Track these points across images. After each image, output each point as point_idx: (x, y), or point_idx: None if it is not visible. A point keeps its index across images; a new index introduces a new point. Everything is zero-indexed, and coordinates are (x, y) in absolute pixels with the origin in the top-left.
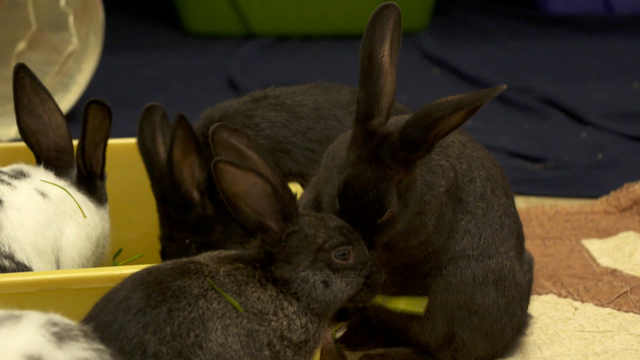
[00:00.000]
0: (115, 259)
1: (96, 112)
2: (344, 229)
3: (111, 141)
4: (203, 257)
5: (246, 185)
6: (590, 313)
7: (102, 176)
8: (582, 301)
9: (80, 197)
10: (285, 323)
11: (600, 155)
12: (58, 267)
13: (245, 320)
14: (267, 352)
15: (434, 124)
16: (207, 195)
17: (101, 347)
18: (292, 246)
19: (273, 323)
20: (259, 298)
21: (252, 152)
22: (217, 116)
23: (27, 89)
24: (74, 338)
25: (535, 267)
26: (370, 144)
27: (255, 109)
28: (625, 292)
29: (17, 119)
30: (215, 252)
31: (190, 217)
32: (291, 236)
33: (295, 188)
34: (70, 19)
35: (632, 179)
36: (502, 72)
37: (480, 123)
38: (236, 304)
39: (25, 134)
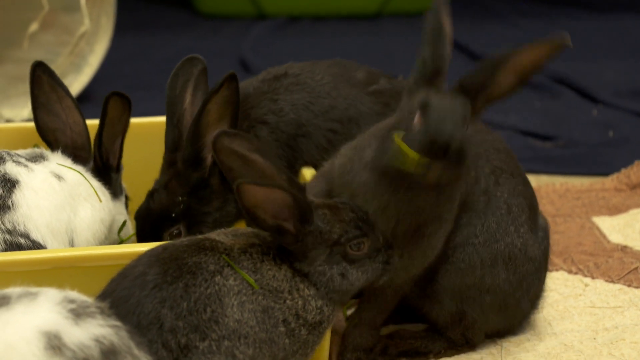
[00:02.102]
0: (119, 234)
1: (116, 104)
2: (358, 221)
3: None
4: (217, 233)
5: (266, 199)
6: (600, 289)
7: (118, 169)
8: (593, 277)
9: (97, 183)
10: (300, 303)
11: (611, 133)
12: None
13: (260, 297)
14: (282, 329)
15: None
16: (218, 167)
17: (118, 323)
18: (308, 243)
19: (288, 301)
20: (274, 276)
21: (255, 156)
22: (244, 94)
23: (45, 87)
24: (90, 315)
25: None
26: None
27: (278, 91)
28: (636, 268)
29: (34, 117)
30: (230, 229)
31: (194, 175)
32: (307, 235)
33: (310, 173)
34: (82, 0)
35: None
36: None
37: None
38: (252, 280)
39: (42, 131)
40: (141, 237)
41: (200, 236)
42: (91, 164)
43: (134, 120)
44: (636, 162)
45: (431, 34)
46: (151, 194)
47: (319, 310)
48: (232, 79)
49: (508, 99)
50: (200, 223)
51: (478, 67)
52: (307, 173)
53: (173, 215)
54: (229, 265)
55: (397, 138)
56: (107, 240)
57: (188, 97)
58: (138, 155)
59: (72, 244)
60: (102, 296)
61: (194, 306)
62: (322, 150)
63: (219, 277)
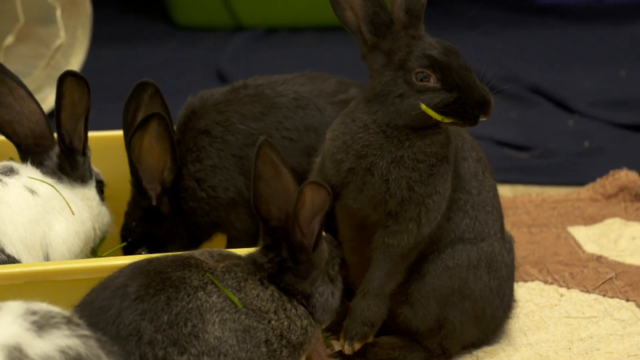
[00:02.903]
0: (98, 249)
1: (73, 85)
2: (333, 240)
3: (101, 133)
4: (201, 253)
5: (314, 207)
6: (575, 299)
7: (84, 152)
8: (568, 287)
9: (68, 194)
10: (286, 323)
11: (586, 143)
12: None
13: (243, 316)
14: (263, 349)
15: None
16: (168, 194)
17: (87, 333)
18: (314, 262)
19: (273, 322)
20: (257, 296)
21: (286, 170)
22: (198, 106)
23: None
24: (55, 326)
25: (522, 254)
26: None
27: (230, 102)
28: (611, 278)
29: None
30: (216, 250)
31: (143, 202)
32: (316, 253)
33: None
34: (58, 12)
35: (618, 166)
36: (490, 61)
37: None
38: (235, 299)
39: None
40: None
41: (185, 253)
42: (56, 149)
43: (112, 133)
44: (611, 172)
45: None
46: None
47: (303, 331)
48: (160, 118)
49: None
50: (158, 246)
51: None
52: None
53: (129, 240)
54: (212, 282)
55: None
56: (82, 253)
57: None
58: (113, 169)
59: (47, 259)
60: (81, 306)
61: (175, 320)
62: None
63: (202, 292)
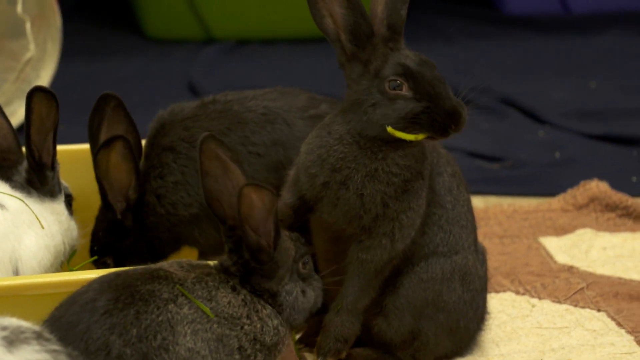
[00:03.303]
0: (69, 262)
1: (41, 101)
2: (300, 237)
3: (71, 147)
4: (170, 264)
5: (260, 209)
6: (547, 310)
7: (53, 166)
8: (540, 298)
9: (38, 208)
10: (259, 326)
11: (557, 154)
12: None
13: (215, 325)
14: (237, 357)
15: None
16: (132, 211)
17: (57, 347)
18: (278, 261)
19: (246, 327)
20: (229, 303)
21: (235, 166)
22: (167, 120)
23: None
24: (25, 341)
25: (493, 265)
26: None
27: (197, 118)
28: (582, 289)
29: None
30: (185, 260)
31: (108, 215)
32: (277, 253)
33: None
34: (28, 25)
35: (589, 176)
36: (460, 72)
37: None
38: (206, 309)
39: None
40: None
41: (154, 266)
42: (25, 164)
43: (83, 147)
44: (582, 183)
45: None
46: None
47: (275, 331)
48: (124, 141)
49: None
50: (121, 257)
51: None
52: None
53: (95, 249)
54: (183, 294)
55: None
56: (52, 267)
57: (102, 137)
58: (83, 183)
59: (16, 273)
60: (50, 321)
61: (144, 333)
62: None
63: (172, 305)
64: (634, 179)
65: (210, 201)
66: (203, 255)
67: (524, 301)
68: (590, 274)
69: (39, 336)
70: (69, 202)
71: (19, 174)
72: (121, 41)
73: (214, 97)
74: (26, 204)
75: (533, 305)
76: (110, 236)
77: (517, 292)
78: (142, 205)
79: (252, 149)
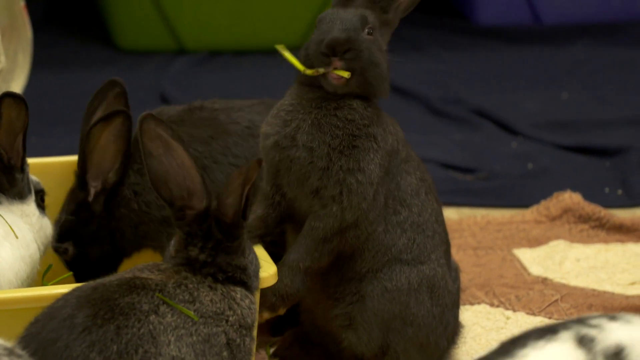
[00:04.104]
0: (44, 277)
1: (10, 105)
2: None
3: (45, 159)
4: (141, 270)
5: (237, 187)
6: (522, 322)
7: (22, 168)
8: (514, 310)
9: (10, 217)
10: (239, 312)
11: (530, 165)
12: None
13: (202, 327)
14: (225, 353)
15: None
16: (105, 196)
17: None
18: (244, 235)
19: (230, 318)
20: (212, 300)
21: (177, 143)
22: None
23: None
24: None
25: (468, 277)
26: None
27: (182, 122)
28: (556, 301)
29: None
30: (152, 264)
31: (80, 195)
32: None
33: None
34: None
35: (562, 188)
36: (433, 83)
37: (411, 135)
38: (190, 313)
39: None
40: None
41: (128, 275)
42: None
43: (55, 159)
44: (555, 194)
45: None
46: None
47: (252, 308)
48: (126, 117)
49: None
50: (82, 244)
51: None
52: None
53: (56, 234)
54: (164, 302)
55: (281, 48)
56: (29, 279)
57: (95, 117)
58: (55, 196)
59: None
60: (27, 337)
61: (125, 348)
62: (220, 184)
63: (153, 316)
64: (607, 190)
65: (157, 184)
66: None
67: (498, 313)
68: (564, 286)
69: (10, 352)
70: (41, 197)
71: None
72: (92, 52)
73: (202, 103)
74: (0, 215)
75: (508, 318)
76: (74, 220)
77: (492, 304)
78: (114, 196)
79: (233, 160)
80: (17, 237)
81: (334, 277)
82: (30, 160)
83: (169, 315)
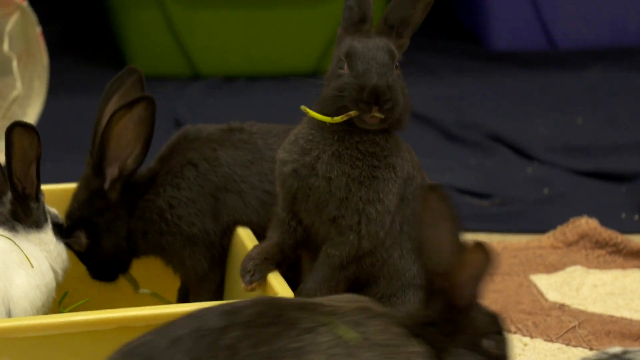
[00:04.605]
0: (60, 304)
1: (22, 135)
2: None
3: (58, 186)
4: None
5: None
6: (539, 348)
7: (37, 197)
8: (532, 337)
9: (26, 245)
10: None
11: (546, 190)
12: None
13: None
14: None
15: None
16: (122, 183)
17: None
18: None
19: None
20: (381, 331)
21: (448, 223)
22: (193, 135)
23: None
24: None
25: (484, 303)
26: None
27: (224, 143)
28: (574, 327)
29: None
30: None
31: (94, 182)
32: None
33: (246, 233)
34: (14, 63)
35: (578, 213)
36: (447, 108)
37: (426, 160)
38: (354, 334)
39: None
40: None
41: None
42: (9, 195)
43: (70, 186)
44: (572, 220)
45: None
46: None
47: None
48: (150, 102)
49: (443, 158)
50: (95, 233)
51: (397, 1)
52: (242, 232)
53: (69, 222)
54: (326, 324)
55: (305, 109)
56: (44, 307)
57: (111, 104)
58: None
59: (9, 315)
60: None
61: (273, 354)
62: (253, 210)
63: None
64: (624, 215)
65: (417, 250)
66: (184, 286)
67: (515, 340)
68: (582, 312)
69: None
70: (59, 230)
71: (3, 205)
72: (108, 78)
73: (242, 125)
74: (15, 243)
75: (525, 344)
76: (88, 208)
77: (509, 331)
78: (145, 199)
79: (268, 187)
80: (32, 266)
81: None
82: (45, 187)
83: (326, 336)
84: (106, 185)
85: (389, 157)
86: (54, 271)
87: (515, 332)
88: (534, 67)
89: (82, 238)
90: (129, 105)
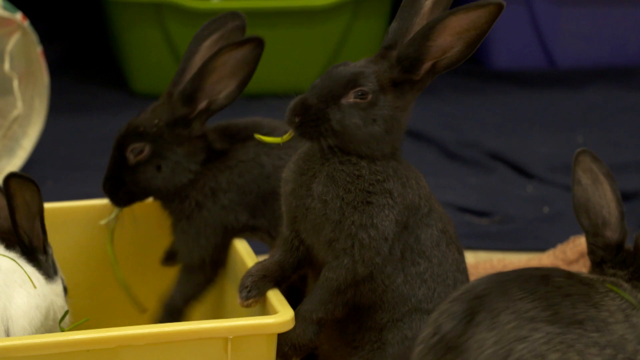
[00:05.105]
0: (60, 323)
1: (20, 186)
2: None
3: (57, 204)
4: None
5: None
6: None
7: (45, 250)
8: None
9: (30, 269)
10: None
11: (546, 209)
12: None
13: None
14: None
15: (430, 32)
16: (206, 118)
17: None
18: None
19: None
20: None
21: (605, 178)
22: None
23: None
24: None
25: None
26: None
27: (291, 151)
28: None
29: None
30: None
31: (182, 109)
32: None
33: (244, 247)
34: (15, 83)
35: (578, 231)
36: (448, 126)
37: (426, 178)
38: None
39: None
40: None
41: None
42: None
43: (71, 204)
44: (572, 238)
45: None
46: (137, 114)
47: None
48: (260, 43)
49: (443, 176)
50: (160, 155)
51: (411, 38)
52: (240, 246)
53: (142, 130)
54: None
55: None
56: (42, 327)
57: (209, 41)
58: (71, 241)
59: (7, 333)
60: None
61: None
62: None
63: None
64: None
65: (577, 209)
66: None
67: None
68: None
69: None
70: (63, 285)
71: (18, 252)
72: (108, 97)
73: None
74: (18, 264)
75: None
76: (170, 129)
77: None
78: (225, 157)
79: None
80: (35, 286)
81: (353, 326)
82: (47, 205)
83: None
84: (194, 114)
85: (385, 182)
86: (53, 304)
87: None
88: (535, 86)
89: (146, 150)
90: (240, 43)
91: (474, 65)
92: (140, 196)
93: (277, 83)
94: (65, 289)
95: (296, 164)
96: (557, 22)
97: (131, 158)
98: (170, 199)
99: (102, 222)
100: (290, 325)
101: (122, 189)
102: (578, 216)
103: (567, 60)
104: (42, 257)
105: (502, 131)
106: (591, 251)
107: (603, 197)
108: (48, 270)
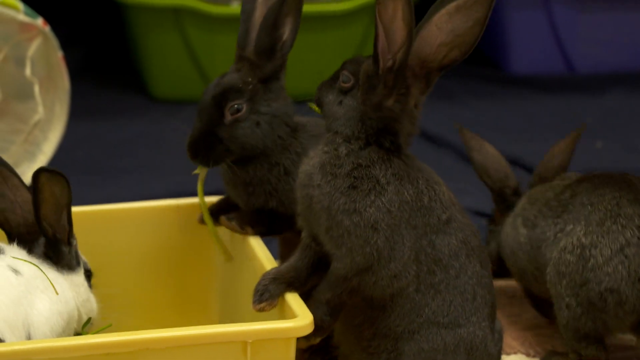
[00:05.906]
0: (83, 328)
1: (49, 180)
2: None
3: (77, 209)
4: None
5: None
6: None
7: (69, 241)
8: None
9: (53, 274)
10: None
11: None
12: None
13: None
14: None
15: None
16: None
17: None
18: None
19: None
20: None
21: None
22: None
23: None
24: None
25: (502, 326)
26: None
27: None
28: None
29: None
30: None
31: (268, 65)
32: None
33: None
34: (36, 88)
35: None
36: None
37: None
38: None
39: None
40: (202, 109)
41: None
42: (43, 240)
43: (88, 208)
44: None
45: None
46: (222, 76)
47: None
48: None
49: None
50: (260, 113)
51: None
52: (254, 243)
53: (241, 86)
54: None
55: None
56: (64, 333)
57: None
58: (90, 246)
59: (29, 338)
60: None
61: None
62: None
63: None
64: None
65: (479, 171)
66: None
67: None
68: None
69: None
70: (88, 276)
71: (38, 246)
72: (127, 102)
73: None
74: (41, 270)
75: None
76: (263, 87)
77: (528, 354)
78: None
79: None
80: (57, 292)
81: (368, 331)
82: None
83: None
84: (281, 65)
85: (372, 169)
86: (77, 310)
87: (534, 356)
88: (553, 91)
89: (245, 108)
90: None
91: (493, 70)
92: (235, 153)
93: (296, 88)
94: (89, 274)
95: (309, 156)
96: (576, 27)
97: (228, 116)
98: (260, 163)
99: (195, 171)
100: (310, 329)
101: (218, 146)
102: (481, 176)
103: (586, 66)
104: (65, 249)
105: (520, 136)
106: (501, 200)
107: (494, 156)
108: (70, 262)
